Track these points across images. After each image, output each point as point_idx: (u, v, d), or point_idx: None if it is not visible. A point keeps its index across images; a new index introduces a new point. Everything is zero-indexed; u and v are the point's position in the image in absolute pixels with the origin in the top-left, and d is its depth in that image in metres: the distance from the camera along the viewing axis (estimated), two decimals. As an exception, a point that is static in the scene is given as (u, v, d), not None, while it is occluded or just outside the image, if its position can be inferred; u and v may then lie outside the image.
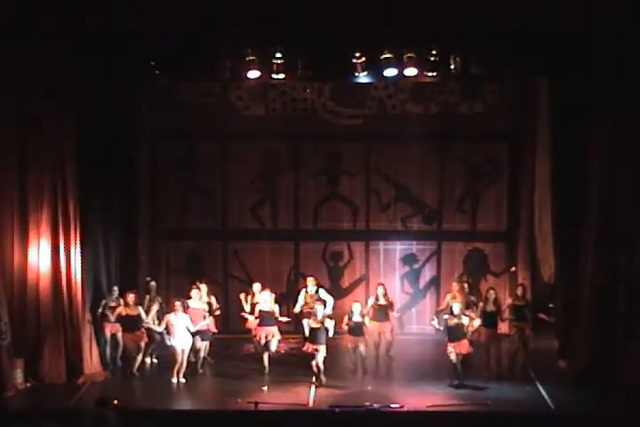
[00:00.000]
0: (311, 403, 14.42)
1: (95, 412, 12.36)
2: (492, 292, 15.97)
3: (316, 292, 16.75)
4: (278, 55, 15.70)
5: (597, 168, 15.32)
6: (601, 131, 15.26)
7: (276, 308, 16.11)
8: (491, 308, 15.77)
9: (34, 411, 13.98)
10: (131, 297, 15.76)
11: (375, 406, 13.87)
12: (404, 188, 18.74)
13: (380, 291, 16.28)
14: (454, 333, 15.13)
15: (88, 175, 15.70)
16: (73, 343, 15.35)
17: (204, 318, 15.90)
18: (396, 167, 18.66)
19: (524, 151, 18.40)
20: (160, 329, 15.64)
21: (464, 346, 15.13)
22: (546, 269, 18.08)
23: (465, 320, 15.21)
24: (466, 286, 16.82)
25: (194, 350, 15.75)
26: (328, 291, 17.13)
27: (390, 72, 15.90)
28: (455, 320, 15.17)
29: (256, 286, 16.71)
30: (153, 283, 16.96)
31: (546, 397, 14.69)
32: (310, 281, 16.94)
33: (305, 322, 15.56)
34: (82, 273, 15.51)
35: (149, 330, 15.88)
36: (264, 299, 16.07)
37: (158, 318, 15.96)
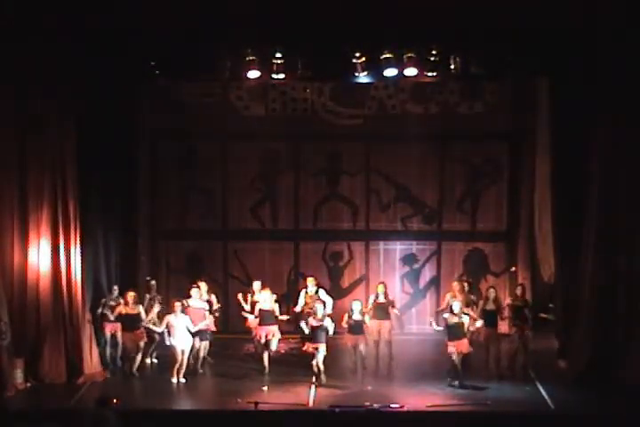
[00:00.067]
0: (311, 403, 14.42)
1: (95, 412, 12.36)
2: (491, 290, 15.97)
3: (316, 292, 16.74)
4: (278, 55, 15.71)
5: (597, 168, 15.32)
6: (601, 131, 15.26)
7: (276, 307, 16.11)
8: (491, 306, 15.77)
9: (34, 411, 13.97)
10: (130, 296, 15.76)
11: (375, 406, 13.86)
12: (404, 188, 18.75)
13: (381, 289, 16.27)
14: (454, 331, 15.12)
15: (88, 175, 15.71)
16: (73, 343, 15.35)
17: (205, 317, 15.90)
18: (396, 167, 18.67)
19: (524, 151, 18.41)
20: (160, 330, 15.64)
21: (464, 345, 15.13)
22: (546, 269, 18.08)
23: (465, 319, 15.21)
24: (466, 285, 16.81)
25: (194, 351, 15.74)
26: (328, 291, 17.14)
27: (390, 72, 15.90)
28: (455, 319, 15.16)
29: (256, 285, 16.72)
30: (153, 282, 16.97)
31: (546, 397, 14.69)
32: (310, 281, 16.93)
33: (303, 324, 15.54)
34: (82, 273, 15.51)
35: (149, 330, 15.88)
36: (264, 298, 16.08)
37: (159, 318, 15.95)
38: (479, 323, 15.40)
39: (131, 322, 15.70)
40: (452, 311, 15.26)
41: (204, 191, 18.83)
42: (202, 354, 16.01)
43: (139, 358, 15.78)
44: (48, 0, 14.76)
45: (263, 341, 15.94)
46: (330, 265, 18.92)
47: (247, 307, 16.59)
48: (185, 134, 18.52)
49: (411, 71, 15.81)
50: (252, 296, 16.64)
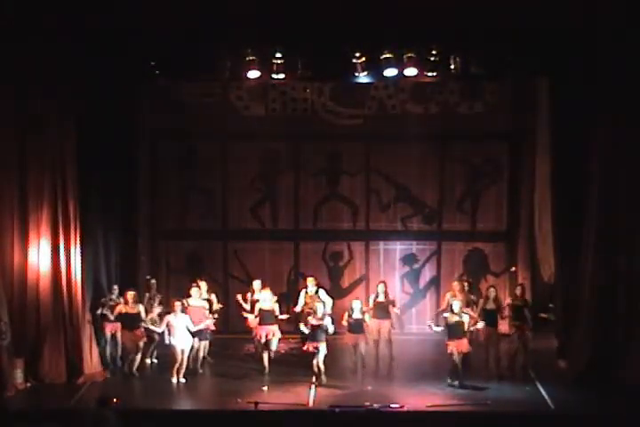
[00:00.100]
0: (311, 403, 14.42)
1: (95, 412, 12.36)
2: (492, 290, 15.98)
3: (316, 292, 16.74)
4: (278, 55, 15.70)
5: (597, 168, 15.32)
6: (601, 131, 15.26)
7: (276, 307, 16.12)
8: (491, 306, 15.77)
9: (34, 411, 13.97)
10: (130, 295, 15.75)
11: (375, 406, 13.86)
12: (404, 188, 18.75)
13: (381, 288, 16.27)
14: (454, 331, 15.13)
15: (88, 175, 15.71)
16: (73, 343, 15.35)
17: (205, 316, 15.91)
18: (396, 167, 18.67)
19: (524, 151, 18.41)
20: (160, 330, 15.63)
21: (464, 345, 15.13)
22: (546, 269, 18.08)
23: (465, 318, 15.22)
24: (466, 285, 16.81)
25: (193, 350, 15.74)
26: (328, 291, 17.13)
27: (390, 72, 15.90)
28: (456, 318, 15.17)
29: (256, 284, 16.73)
30: (153, 281, 16.97)
31: (546, 397, 14.69)
32: (310, 281, 16.93)
33: (302, 327, 15.56)
34: (82, 273, 15.51)
35: (148, 330, 15.87)
36: (264, 297, 16.08)
37: (159, 316, 15.96)
38: (480, 324, 15.40)
39: (130, 321, 15.69)
40: (451, 310, 15.27)
41: (204, 191, 18.83)
42: (201, 354, 16.01)
43: (138, 357, 15.78)
44: (48, 0, 14.76)
45: (263, 340, 15.94)
46: (330, 265, 18.92)
47: (247, 306, 16.60)
48: (185, 134, 18.52)
49: (411, 71, 15.81)
50: (251, 295, 16.65)
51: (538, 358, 16.15)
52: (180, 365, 15.41)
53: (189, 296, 16.01)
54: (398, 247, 18.84)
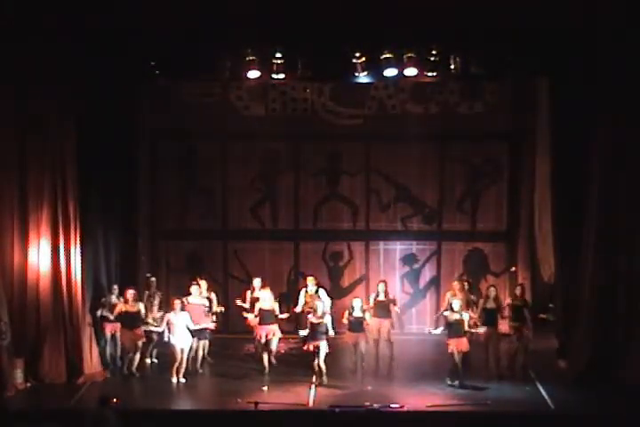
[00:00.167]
0: (311, 403, 14.43)
1: (95, 412, 12.37)
2: (492, 289, 15.98)
3: (316, 292, 16.75)
4: (278, 55, 15.70)
5: (597, 168, 15.32)
6: (601, 131, 15.26)
7: (275, 306, 16.12)
8: (491, 305, 15.77)
9: (34, 411, 13.98)
10: (130, 293, 15.73)
11: (375, 406, 13.87)
12: (404, 188, 18.75)
13: (381, 288, 16.28)
14: (454, 329, 15.13)
15: (88, 175, 15.70)
16: (73, 343, 15.35)
17: (205, 313, 15.91)
18: (396, 167, 18.67)
19: (524, 151, 18.41)
20: (160, 330, 15.62)
21: (463, 344, 15.13)
22: (546, 269, 18.09)
23: (465, 316, 15.22)
24: (466, 284, 16.81)
25: (192, 350, 15.74)
26: (328, 291, 17.12)
27: (390, 72, 15.90)
28: (456, 316, 15.17)
29: (256, 282, 16.74)
30: (153, 279, 16.96)
31: (546, 397, 14.70)
32: (310, 281, 16.93)
33: (302, 332, 15.56)
34: (82, 273, 15.51)
35: (148, 331, 15.87)
36: (264, 297, 16.09)
37: (160, 310, 15.95)
38: (481, 329, 15.39)
39: (130, 320, 15.68)
40: (451, 309, 15.28)
41: (204, 191, 18.83)
42: (201, 353, 16.01)
43: (137, 357, 15.77)
44: (48, 0, 14.76)
45: (263, 340, 15.94)
46: (330, 265, 18.92)
47: (247, 306, 16.60)
48: (185, 134, 18.52)
49: (411, 71, 15.81)
50: (251, 293, 16.66)
51: (538, 358, 16.15)
52: (180, 364, 15.42)
53: (189, 294, 16.02)
54: (398, 247, 18.84)
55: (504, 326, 16.06)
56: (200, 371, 15.96)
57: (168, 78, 16.56)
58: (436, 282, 18.78)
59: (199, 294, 16.18)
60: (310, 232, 18.91)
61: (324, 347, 15.24)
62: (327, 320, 15.39)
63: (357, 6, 14.60)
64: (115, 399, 12.32)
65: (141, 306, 15.85)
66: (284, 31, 15.18)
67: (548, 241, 17.69)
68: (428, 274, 18.86)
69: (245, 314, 16.57)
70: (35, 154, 15.17)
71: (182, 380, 15.44)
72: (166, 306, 16.09)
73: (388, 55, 15.59)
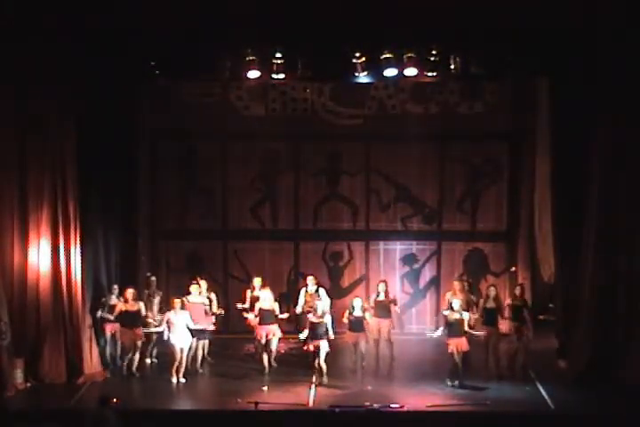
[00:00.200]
0: (311, 403, 14.43)
1: (95, 412, 12.37)
2: (492, 289, 15.98)
3: (316, 291, 16.75)
4: (278, 55, 15.70)
5: (597, 168, 15.32)
6: (601, 131, 15.26)
7: (276, 306, 16.12)
8: (491, 304, 15.78)
9: (34, 411, 13.99)
10: (129, 292, 15.72)
11: (375, 406, 13.87)
12: (404, 188, 18.74)
13: (381, 287, 16.29)
14: (454, 328, 15.13)
15: (88, 175, 15.71)
16: (73, 343, 15.35)
17: (205, 313, 15.92)
18: (396, 167, 18.66)
19: (524, 151, 18.41)
20: (160, 330, 15.60)
21: (463, 343, 15.13)
22: (546, 269, 18.09)
23: (465, 316, 15.23)
24: (466, 284, 16.81)
25: (192, 349, 15.74)
26: (328, 291, 17.10)
27: (390, 72, 15.90)
28: (456, 315, 15.17)
29: (257, 281, 16.74)
30: (153, 278, 16.93)
31: (546, 397, 14.70)
32: (310, 280, 16.93)
33: (302, 336, 15.57)
34: (82, 273, 15.52)
35: (148, 332, 15.89)
36: (264, 297, 16.09)
37: (160, 311, 15.95)
38: (480, 333, 15.37)
39: (130, 319, 15.67)
40: (451, 308, 15.28)
41: (204, 191, 18.82)
42: (201, 353, 16.01)
43: (137, 357, 15.76)
44: (48, 0, 14.76)
45: (264, 340, 15.94)
46: (330, 265, 18.92)
47: (247, 306, 16.60)
48: (185, 134, 18.52)
49: (411, 71, 15.82)
50: (251, 292, 16.67)
51: (538, 358, 16.14)
52: (180, 364, 15.42)
53: (189, 294, 16.02)
54: (398, 247, 18.84)
55: (504, 326, 16.06)
56: (200, 371, 15.96)
57: (168, 78, 16.56)
58: (435, 282, 18.78)
59: (199, 293, 16.18)
60: (310, 232, 18.91)
61: (324, 346, 15.23)
62: (327, 320, 15.40)
63: (357, 6, 14.60)
64: (115, 399, 12.32)
65: (141, 305, 15.85)
66: (283, 31, 15.18)
67: (548, 241, 17.69)
68: (428, 274, 18.85)
69: (245, 314, 16.57)
70: (35, 154, 15.17)
71: (182, 380, 15.44)
72: (166, 306, 16.08)
73: (388, 55, 15.59)
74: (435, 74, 16.01)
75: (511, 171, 18.54)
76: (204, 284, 16.49)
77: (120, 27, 14.88)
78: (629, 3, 14.68)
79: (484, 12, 14.60)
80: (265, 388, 15.15)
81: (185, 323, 15.43)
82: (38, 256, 15.24)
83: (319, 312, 15.41)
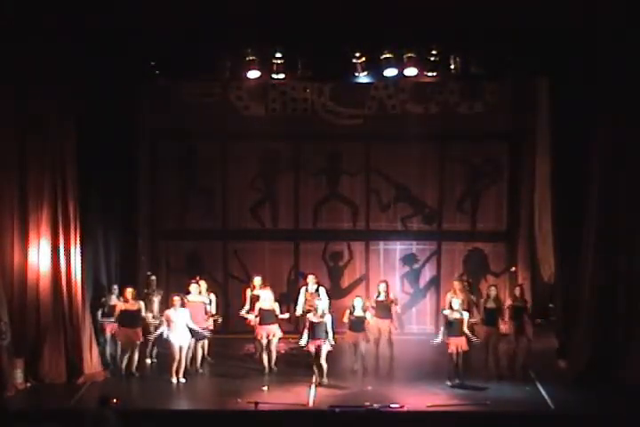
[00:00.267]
0: (311, 403, 14.43)
1: (95, 412, 12.37)
2: (492, 288, 15.98)
3: (317, 290, 16.75)
4: (278, 55, 15.70)
5: (597, 168, 15.32)
6: (601, 131, 15.26)
7: (276, 306, 16.11)
8: (491, 305, 15.77)
9: (34, 411, 13.98)
10: (129, 292, 15.70)
11: (375, 406, 13.87)
12: (404, 188, 18.74)
13: (382, 288, 16.30)
14: (454, 328, 15.13)
15: (88, 175, 15.71)
16: (73, 343, 15.35)
17: (205, 312, 15.91)
18: (396, 167, 18.66)
19: (524, 151, 18.40)
20: (161, 331, 15.56)
21: (462, 343, 15.13)
22: (546, 269, 18.08)
23: (465, 315, 15.23)
24: (465, 285, 16.80)
25: (190, 349, 15.73)
26: (328, 291, 17.10)
27: (390, 72, 15.90)
28: (456, 315, 15.17)
29: (257, 280, 16.74)
30: (153, 277, 16.93)
31: (546, 397, 14.70)
32: (311, 279, 16.92)
33: (301, 341, 15.55)
34: (82, 273, 15.51)
35: (148, 332, 15.88)
36: (264, 297, 16.08)
37: (161, 311, 15.96)
38: (475, 339, 15.36)
39: (130, 319, 15.65)
40: (451, 307, 15.28)
41: (204, 191, 18.81)
42: (200, 353, 16.01)
43: (136, 356, 15.74)
44: (48, 0, 14.75)
45: (264, 341, 15.93)
46: (330, 265, 18.91)
47: (247, 307, 16.59)
48: (185, 134, 18.51)
49: (411, 71, 15.82)
50: (251, 291, 16.67)
51: (538, 358, 16.13)
52: (179, 363, 15.41)
53: (189, 293, 16.02)
54: (398, 247, 18.84)
55: (504, 326, 16.05)
56: (200, 371, 15.96)
57: (168, 78, 16.56)
58: (435, 282, 18.78)
59: (199, 293, 16.18)
60: (310, 232, 18.90)
61: (325, 346, 15.22)
62: (327, 320, 15.39)
63: (357, 6, 14.60)
64: (115, 400, 12.32)
65: (142, 304, 15.84)
66: (284, 31, 15.18)
67: (548, 241, 17.68)
68: (428, 274, 18.85)
69: (246, 315, 16.56)
70: (35, 154, 15.16)
71: (182, 380, 15.44)
72: (166, 306, 16.07)
73: (388, 55, 15.59)
74: (435, 74, 16.02)
75: (511, 171, 18.54)
76: (203, 284, 16.49)
77: (120, 27, 14.88)
78: (629, 3, 14.68)
79: (484, 12, 14.59)
80: (265, 388, 15.14)
81: (184, 321, 15.42)
82: (38, 256, 15.24)
83: (319, 312, 15.40)
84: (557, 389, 14.98)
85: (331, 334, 15.31)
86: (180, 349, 15.42)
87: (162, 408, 14.36)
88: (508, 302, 16.05)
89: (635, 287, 15.19)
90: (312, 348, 15.32)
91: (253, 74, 15.97)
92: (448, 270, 18.65)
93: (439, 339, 15.28)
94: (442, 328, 15.53)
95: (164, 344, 15.82)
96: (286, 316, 16.54)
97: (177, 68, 15.93)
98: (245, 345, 17.23)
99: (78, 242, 15.42)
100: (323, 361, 15.24)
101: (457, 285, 16.49)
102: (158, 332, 15.57)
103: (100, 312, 16.07)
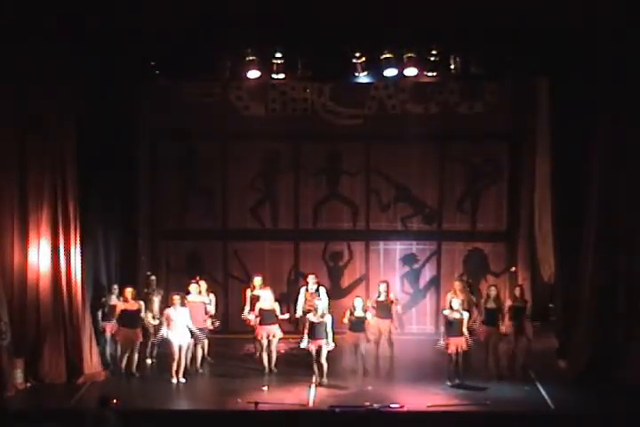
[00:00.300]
0: (311, 403, 14.43)
1: (95, 412, 12.37)
2: (493, 288, 15.98)
3: (317, 290, 16.75)
4: (278, 55, 15.70)
5: (597, 168, 15.32)
6: (601, 131, 15.26)
7: (276, 306, 16.11)
8: (492, 305, 15.77)
9: (34, 411, 13.98)
10: (128, 292, 15.70)
11: (375, 406, 13.87)
12: (404, 188, 18.74)
13: (382, 288, 16.30)
14: (454, 328, 15.12)
15: (88, 175, 15.71)
16: (73, 343, 15.35)
17: (205, 311, 15.91)
18: (396, 167, 18.65)
19: (524, 151, 18.40)
20: (161, 334, 15.54)
21: (462, 342, 15.12)
22: (546, 269, 18.08)
23: (465, 315, 15.23)
24: (465, 284, 16.80)
25: (189, 348, 15.73)
26: (327, 291, 17.10)
27: (390, 72, 15.90)
28: (455, 315, 15.17)
29: (257, 280, 16.73)
30: (153, 277, 16.92)
31: (546, 397, 14.69)
32: (311, 279, 16.92)
33: (303, 344, 15.54)
34: (82, 273, 15.51)
35: (146, 330, 15.88)
36: (265, 297, 16.08)
37: (161, 311, 15.96)
38: (471, 342, 15.37)
39: (129, 318, 15.65)
40: (451, 307, 15.28)
41: (204, 191, 18.81)
42: (200, 353, 16.00)
43: (135, 356, 15.74)
44: (48, 0, 14.75)
45: (264, 341, 15.92)
46: (330, 265, 18.91)
47: (247, 308, 16.58)
48: (185, 134, 18.51)
49: (411, 71, 15.82)
50: (251, 291, 16.66)
51: (538, 358, 16.13)
52: (179, 363, 15.41)
53: (188, 293, 16.02)
54: (398, 247, 18.83)
55: (504, 326, 16.04)
56: (200, 371, 15.96)
57: (168, 78, 16.56)
58: (435, 282, 18.77)
59: (198, 292, 16.18)
60: (310, 232, 18.90)
61: (325, 345, 15.22)
62: (327, 320, 15.38)
63: (357, 6, 14.60)
64: (115, 400, 12.31)
65: (141, 304, 15.84)
66: (284, 31, 15.18)
67: (548, 241, 17.68)
68: (428, 274, 18.84)
69: (246, 315, 16.55)
70: (35, 154, 15.16)
71: (182, 380, 15.44)
72: (166, 306, 16.06)
73: (388, 55, 15.58)
74: (435, 74, 16.02)
75: (511, 171, 18.53)
76: (203, 284, 16.49)
77: (120, 27, 14.87)
78: (629, 3, 14.68)
79: (484, 12, 14.59)
80: (265, 388, 15.15)
81: (184, 320, 15.42)
82: (38, 256, 15.24)
83: (319, 312, 15.40)
84: (557, 389, 14.98)
85: (331, 335, 15.32)
86: (180, 348, 15.42)
87: (162, 408, 14.36)
88: (508, 302, 16.04)
89: (635, 287, 15.19)
90: (313, 348, 15.31)
91: (253, 74, 15.97)
92: (448, 270, 18.65)
93: (443, 342, 15.26)
94: (442, 329, 15.53)
95: (163, 344, 15.81)
96: (286, 316, 16.54)
97: (177, 68, 15.92)
98: (245, 345, 17.23)
99: (78, 242, 15.42)
100: (323, 360, 15.24)
101: (457, 285, 16.49)
102: (160, 334, 15.56)
103: (100, 312, 16.06)
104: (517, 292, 16.03)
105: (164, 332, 15.45)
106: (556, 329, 16.81)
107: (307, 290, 16.85)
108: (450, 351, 15.14)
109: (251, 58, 15.69)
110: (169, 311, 15.47)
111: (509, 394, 14.86)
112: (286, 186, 18.81)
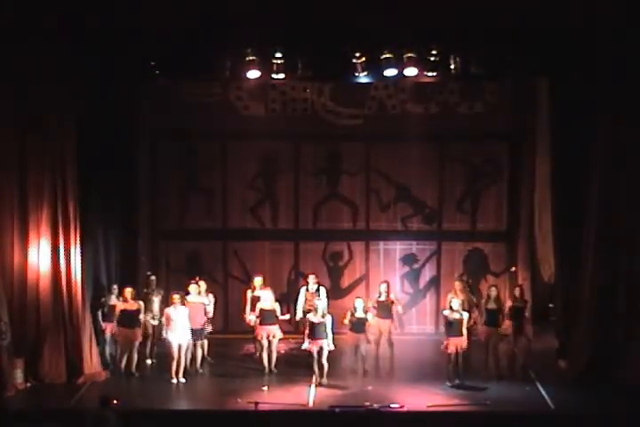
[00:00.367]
0: (311, 403, 14.43)
1: (95, 412, 12.37)
2: (493, 289, 15.98)
3: (317, 290, 16.75)
4: (278, 55, 15.70)
5: (597, 168, 15.32)
6: (601, 131, 15.26)
7: (276, 306, 16.11)
8: (492, 305, 15.77)
9: (34, 411, 13.98)
10: (128, 291, 15.70)
11: (375, 406, 13.87)
12: (404, 188, 18.74)
13: (383, 288, 16.31)
14: (454, 328, 15.12)
15: (88, 175, 15.71)
16: (73, 343, 15.35)
17: (205, 312, 15.92)
18: (396, 167, 18.65)
19: (524, 151, 18.40)
20: (164, 333, 15.55)
21: (461, 342, 15.12)
22: (546, 269, 18.08)
23: (465, 315, 15.23)
24: (465, 285, 16.80)
25: (189, 349, 15.73)
26: (327, 291, 17.10)
27: (390, 72, 15.90)
28: (455, 315, 15.17)
29: (257, 281, 16.73)
30: (153, 277, 16.92)
31: (546, 397, 14.70)
32: (311, 279, 16.93)
33: (304, 345, 15.53)
34: (82, 273, 15.51)
35: (146, 330, 15.88)
36: (265, 297, 16.08)
37: (161, 311, 15.96)
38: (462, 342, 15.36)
39: (129, 318, 15.65)
40: (450, 308, 15.29)
41: (204, 191, 18.82)
42: (200, 353, 16.00)
43: (135, 356, 15.74)
44: (48, 0, 14.75)
45: (264, 341, 15.92)
46: (330, 265, 18.91)
47: (248, 308, 16.58)
48: (185, 134, 18.51)
49: (411, 71, 15.82)
50: (252, 292, 16.66)
51: (538, 358, 16.13)
52: (179, 363, 15.41)
53: (188, 293, 16.02)
54: (398, 247, 18.83)
55: (504, 326, 16.04)
56: (200, 371, 15.96)
57: (168, 78, 16.56)
58: (436, 282, 18.77)
59: (198, 293, 16.17)
60: (310, 232, 18.90)
61: (326, 345, 15.22)
62: (328, 320, 15.38)
63: (357, 6, 14.60)
64: (115, 401, 12.31)
65: (141, 304, 15.84)
66: (283, 31, 15.18)
67: (547, 241, 17.69)
68: (427, 274, 18.84)
69: (247, 316, 16.55)
70: (35, 154, 15.16)
71: (182, 380, 15.43)
72: (166, 306, 16.06)
73: (388, 55, 15.58)
74: (435, 74, 16.01)
75: (511, 171, 18.53)
76: (203, 284, 16.49)
77: (120, 27, 14.87)
78: (629, 3, 14.68)
79: (484, 12, 14.59)
80: (265, 388, 15.14)
81: (184, 319, 15.41)
82: (38, 256, 15.24)
83: (320, 312, 15.39)
84: (557, 389, 14.98)
85: (331, 335, 15.31)
86: (180, 348, 15.42)
87: (162, 408, 14.36)
88: (509, 302, 16.04)
89: (635, 287, 15.19)
90: (313, 348, 15.30)
91: (253, 74, 15.97)
92: (448, 270, 18.65)
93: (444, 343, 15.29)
94: (443, 329, 15.55)
95: (163, 345, 15.80)
96: (287, 317, 16.53)
97: (177, 68, 15.92)
98: (245, 345, 17.23)
99: (78, 242, 15.42)
100: (324, 359, 15.24)
101: (458, 285, 16.49)
102: (163, 337, 15.55)
103: (100, 312, 16.06)
104: (517, 292, 16.03)
105: (165, 333, 15.45)
106: (556, 329, 16.81)
107: (307, 290, 16.85)
108: (450, 351, 15.14)
109: (251, 58, 15.69)
110: (169, 311, 15.47)
111: (509, 394, 14.86)
112: (286, 186, 18.81)
